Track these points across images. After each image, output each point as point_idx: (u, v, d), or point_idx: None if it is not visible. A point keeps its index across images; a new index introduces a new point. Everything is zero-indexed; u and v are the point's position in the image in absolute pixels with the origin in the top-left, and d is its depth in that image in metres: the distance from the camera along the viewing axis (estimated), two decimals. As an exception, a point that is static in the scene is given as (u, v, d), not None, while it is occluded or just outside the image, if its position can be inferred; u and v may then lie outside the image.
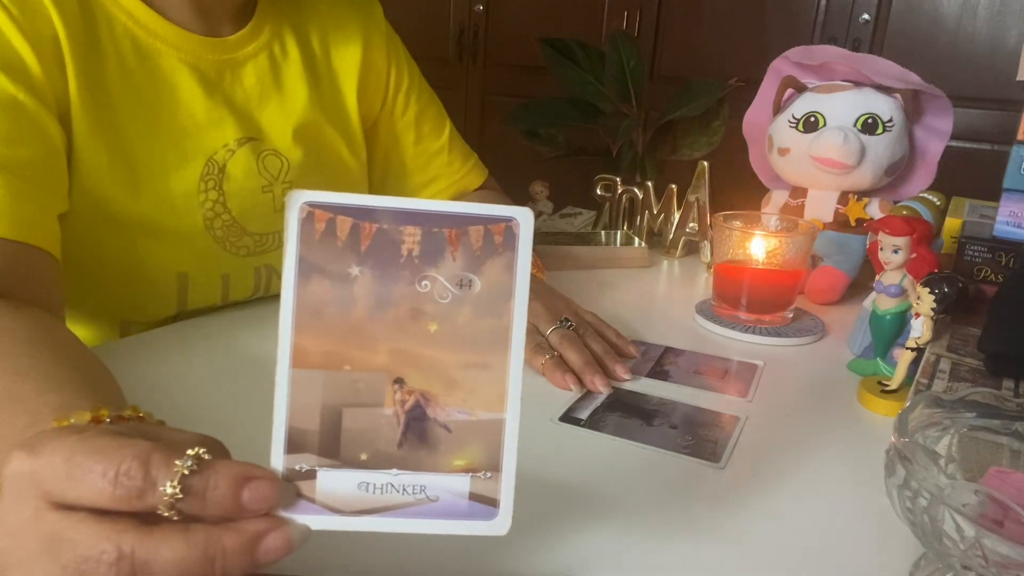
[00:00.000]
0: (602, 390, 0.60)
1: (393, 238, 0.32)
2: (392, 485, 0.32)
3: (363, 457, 0.32)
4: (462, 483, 0.32)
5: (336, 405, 0.32)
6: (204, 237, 0.69)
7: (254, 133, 0.72)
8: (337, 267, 0.32)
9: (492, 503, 0.32)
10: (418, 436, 0.32)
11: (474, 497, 0.32)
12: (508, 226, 0.33)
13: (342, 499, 0.32)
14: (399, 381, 0.32)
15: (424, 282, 0.33)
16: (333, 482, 0.32)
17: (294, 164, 0.74)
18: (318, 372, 0.32)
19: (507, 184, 0.99)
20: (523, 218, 0.33)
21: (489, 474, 0.32)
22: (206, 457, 0.29)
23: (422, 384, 0.32)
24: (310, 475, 0.32)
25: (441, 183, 0.91)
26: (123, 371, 0.57)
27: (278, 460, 0.32)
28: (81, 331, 0.69)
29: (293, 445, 0.32)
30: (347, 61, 0.81)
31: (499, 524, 0.32)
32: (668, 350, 0.70)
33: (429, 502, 0.32)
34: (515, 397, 0.33)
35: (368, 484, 0.32)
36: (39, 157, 0.56)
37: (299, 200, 0.32)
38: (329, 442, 0.32)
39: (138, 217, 0.65)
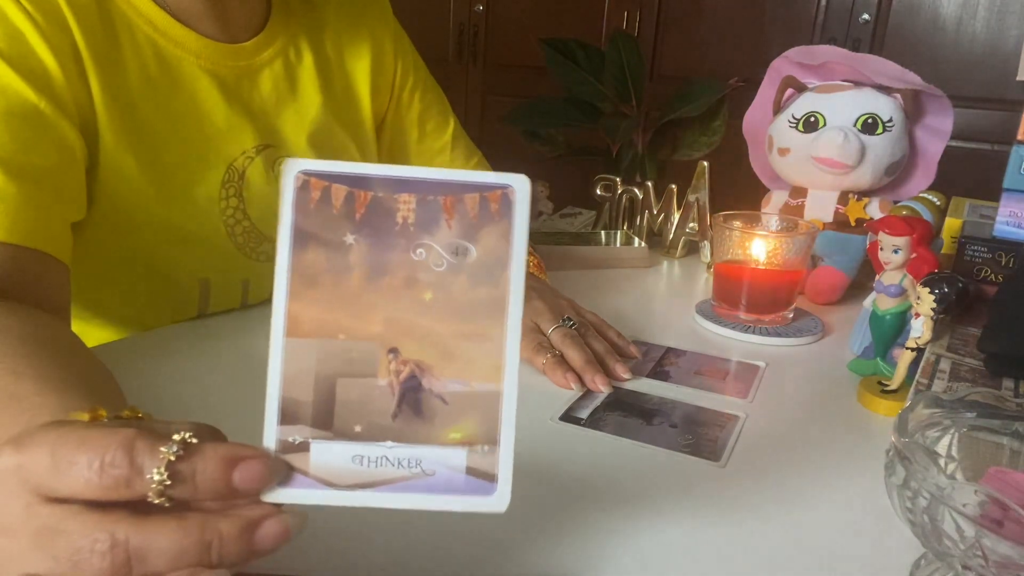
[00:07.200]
0: (602, 389, 0.60)
1: (388, 206, 0.32)
2: (387, 458, 0.31)
3: (357, 429, 0.31)
4: (459, 457, 0.31)
5: (330, 375, 0.31)
6: (226, 243, 0.69)
7: (271, 140, 0.72)
8: (332, 235, 0.31)
9: (490, 478, 0.31)
10: (413, 408, 0.31)
11: (471, 472, 0.31)
12: (504, 193, 0.32)
13: (336, 472, 0.31)
14: (394, 351, 0.32)
15: (419, 250, 0.32)
16: (327, 455, 0.31)
17: None
18: (312, 341, 0.31)
19: (507, 184, 0.99)
20: (519, 185, 0.32)
21: (487, 448, 0.31)
22: (193, 441, 0.29)
23: (417, 354, 0.32)
24: (303, 447, 0.31)
25: None
26: (130, 369, 0.57)
27: (271, 431, 0.31)
28: (103, 336, 0.69)
29: (286, 416, 0.31)
30: (359, 61, 0.81)
31: (497, 500, 0.31)
32: (669, 351, 0.70)
33: (425, 476, 0.31)
34: (512, 368, 0.32)
35: (362, 457, 0.31)
36: (56, 165, 0.56)
37: (294, 168, 0.31)
38: (323, 413, 0.31)
39: (163, 224, 0.65)
